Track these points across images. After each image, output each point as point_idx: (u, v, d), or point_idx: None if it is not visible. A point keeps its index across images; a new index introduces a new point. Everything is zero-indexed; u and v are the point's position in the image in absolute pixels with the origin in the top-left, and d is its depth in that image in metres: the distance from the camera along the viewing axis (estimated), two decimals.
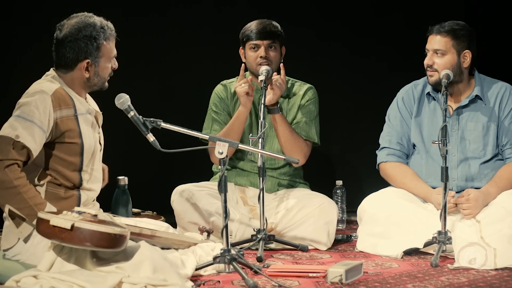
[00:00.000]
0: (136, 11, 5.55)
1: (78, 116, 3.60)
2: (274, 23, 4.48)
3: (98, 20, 3.63)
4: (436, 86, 4.24)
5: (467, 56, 4.23)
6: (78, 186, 3.62)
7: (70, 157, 3.57)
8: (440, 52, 4.20)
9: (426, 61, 4.22)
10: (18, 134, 3.38)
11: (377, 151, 4.46)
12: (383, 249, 4.06)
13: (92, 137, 3.66)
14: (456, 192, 4.20)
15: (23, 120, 3.41)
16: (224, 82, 4.65)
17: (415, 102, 4.39)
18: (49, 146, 3.53)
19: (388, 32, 5.71)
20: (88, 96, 3.78)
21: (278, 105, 4.37)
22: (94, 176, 3.72)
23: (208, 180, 4.62)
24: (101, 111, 3.85)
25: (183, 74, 5.62)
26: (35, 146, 3.42)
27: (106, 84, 3.72)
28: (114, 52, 3.69)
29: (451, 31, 4.20)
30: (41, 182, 3.53)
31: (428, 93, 4.36)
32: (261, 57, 4.40)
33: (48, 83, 3.58)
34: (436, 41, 4.20)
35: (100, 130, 3.81)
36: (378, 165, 4.44)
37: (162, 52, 5.65)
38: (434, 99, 4.35)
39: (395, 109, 4.45)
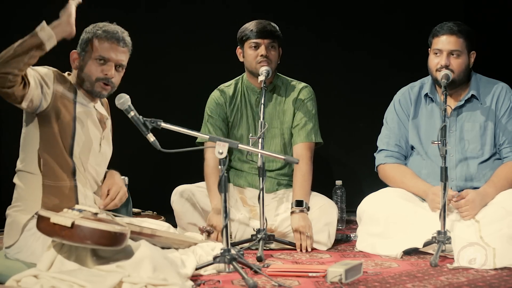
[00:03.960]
0: (136, 11, 5.57)
1: (77, 103, 3.66)
2: (273, 23, 4.49)
3: (106, 24, 3.72)
4: (448, 86, 4.18)
5: (473, 56, 4.26)
6: (72, 173, 3.63)
7: (62, 138, 3.60)
8: (457, 53, 4.19)
9: (443, 62, 4.17)
10: None
11: (375, 154, 4.47)
12: (382, 249, 4.06)
13: (88, 130, 3.67)
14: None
15: None
16: (221, 87, 4.65)
17: (412, 104, 4.39)
18: (44, 120, 3.57)
19: (388, 32, 5.72)
20: (98, 103, 3.83)
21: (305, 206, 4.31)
22: (93, 178, 3.73)
23: None
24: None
25: (183, 75, 5.64)
26: (33, 83, 3.46)
27: (99, 90, 3.68)
28: (104, 54, 3.65)
29: (465, 32, 4.20)
30: (37, 171, 3.56)
31: (426, 95, 4.36)
32: (261, 55, 4.41)
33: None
34: (452, 42, 4.19)
35: (105, 133, 3.82)
36: (377, 167, 4.45)
37: (162, 53, 5.66)
38: (432, 100, 4.35)
39: (392, 111, 4.45)
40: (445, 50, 4.20)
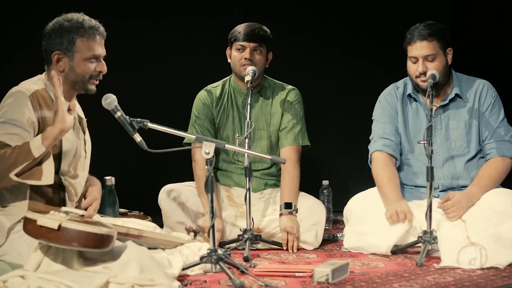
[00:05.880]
0: (128, 14, 5.58)
1: None
2: (264, 27, 4.49)
3: (80, 17, 3.61)
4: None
5: (450, 53, 4.25)
6: (59, 185, 3.58)
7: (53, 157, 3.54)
8: (431, 57, 4.18)
9: (420, 69, 4.17)
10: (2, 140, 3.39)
11: (370, 145, 4.38)
12: (371, 244, 4.06)
13: (74, 141, 3.63)
14: (441, 191, 4.23)
15: (5, 124, 3.40)
16: (209, 87, 4.64)
17: (398, 101, 4.39)
18: None
19: (374, 32, 5.74)
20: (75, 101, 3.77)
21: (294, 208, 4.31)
22: (78, 183, 3.70)
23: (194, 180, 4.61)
24: (88, 111, 3.83)
25: (171, 75, 5.63)
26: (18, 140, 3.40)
27: (92, 87, 3.63)
28: (96, 52, 3.60)
29: (435, 33, 4.19)
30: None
31: (409, 95, 4.37)
32: (245, 58, 4.41)
33: (28, 84, 3.57)
34: (424, 47, 4.18)
35: (86, 136, 3.79)
36: (371, 154, 4.35)
37: (151, 54, 5.65)
38: (416, 100, 4.35)
39: (380, 108, 4.42)
40: (419, 57, 4.19)
